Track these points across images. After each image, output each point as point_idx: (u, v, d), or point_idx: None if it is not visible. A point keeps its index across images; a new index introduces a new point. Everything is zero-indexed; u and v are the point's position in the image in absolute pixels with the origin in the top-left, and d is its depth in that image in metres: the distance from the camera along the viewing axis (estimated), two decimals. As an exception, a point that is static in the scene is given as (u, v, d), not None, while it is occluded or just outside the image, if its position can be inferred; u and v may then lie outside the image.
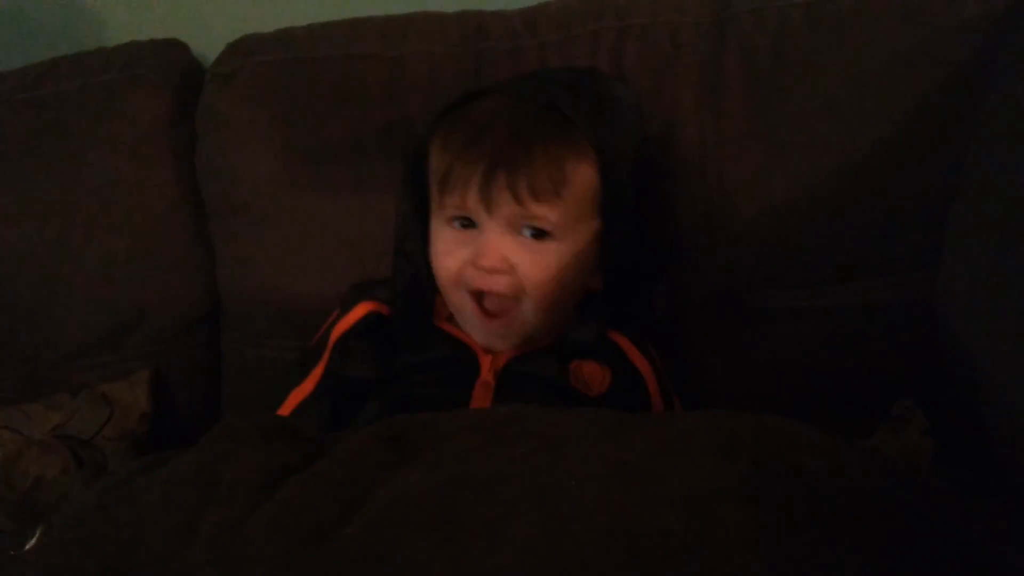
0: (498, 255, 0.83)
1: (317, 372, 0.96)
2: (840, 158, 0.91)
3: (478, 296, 0.86)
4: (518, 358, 0.90)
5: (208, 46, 1.18)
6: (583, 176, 0.83)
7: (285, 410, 0.97)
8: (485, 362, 0.89)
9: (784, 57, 0.93)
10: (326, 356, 0.96)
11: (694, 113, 0.96)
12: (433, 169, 0.87)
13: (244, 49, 1.09)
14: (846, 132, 0.91)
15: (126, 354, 1.12)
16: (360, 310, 0.96)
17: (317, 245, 1.07)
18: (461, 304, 0.88)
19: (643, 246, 0.91)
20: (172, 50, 1.15)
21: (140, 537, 0.55)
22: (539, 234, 0.83)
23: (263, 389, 1.10)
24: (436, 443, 0.61)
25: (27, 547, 0.57)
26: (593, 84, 0.91)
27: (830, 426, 0.64)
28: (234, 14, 1.25)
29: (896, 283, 0.93)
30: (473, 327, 0.89)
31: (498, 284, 0.84)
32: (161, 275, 1.11)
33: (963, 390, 0.82)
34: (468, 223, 0.85)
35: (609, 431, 0.59)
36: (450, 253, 0.87)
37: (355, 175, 1.04)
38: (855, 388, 0.94)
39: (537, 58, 1.02)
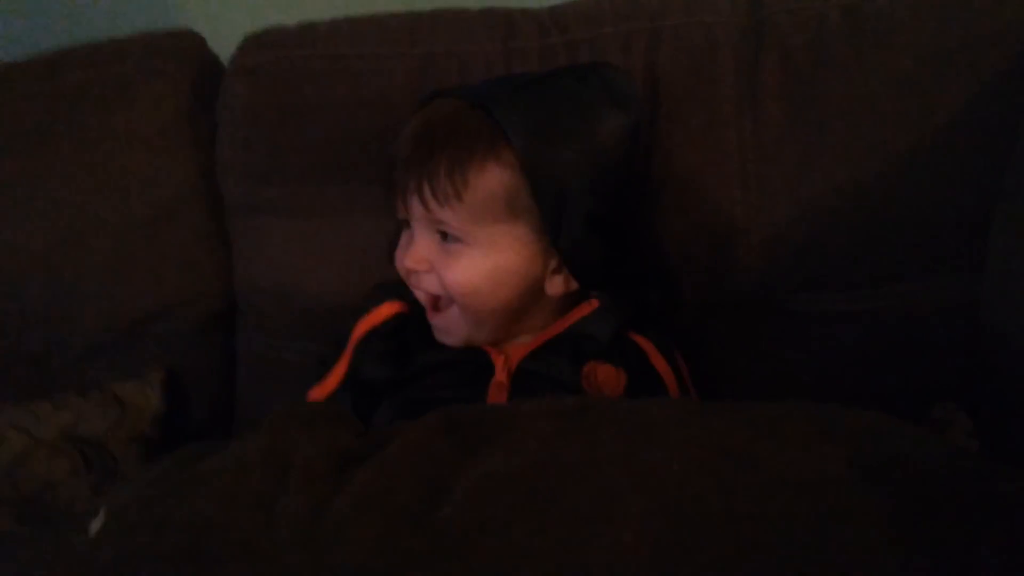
0: (416, 256, 0.86)
1: (340, 369, 0.95)
2: (881, 160, 0.90)
3: (434, 297, 0.88)
4: (531, 357, 0.88)
5: (216, 38, 1.15)
6: (493, 180, 0.82)
7: None
8: (498, 362, 0.88)
9: (824, 58, 0.92)
10: (349, 353, 0.94)
11: (732, 115, 0.94)
12: None
13: (267, 42, 1.06)
14: (887, 134, 0.90)
15: (140, 354, 1.08)
16: (387, 309, 0.95)
17: (341, 244, 1.04)
18: (415, 293, 0.90)
19: (622, 249, 0.89)
20: (188, 41, 1.12)
21: (216, 521, 0.53)
22: (450, 237, 0.84)
23: (279, 391, 1.08)
24: (505, 431, 0.59)
25: (92, 530, 0.54)
26: (562, 80, 0.88)
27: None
28: (245, 6, 1.23)
29: (937, 286, 0.91)
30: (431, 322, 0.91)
31: (423, 283, 0.87)
32: (177, 273, 1.08)
33: (1014, 392, 0.82)
34: (409, 223, 0.88)
35: (696, 415, 0.58)
36: (399, 252, 0.90)
37: (382, 173, 1.01)
38: (894, 392, 0.92)
39: (568, 57, 1.00)
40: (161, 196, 1.07)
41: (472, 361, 0.89)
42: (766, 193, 0.93)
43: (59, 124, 1.06)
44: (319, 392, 0.94)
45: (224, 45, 1.13)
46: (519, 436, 0.56)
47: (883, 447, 0.54)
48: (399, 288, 0.95)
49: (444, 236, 0.85)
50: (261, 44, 1.06)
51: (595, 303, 0.90)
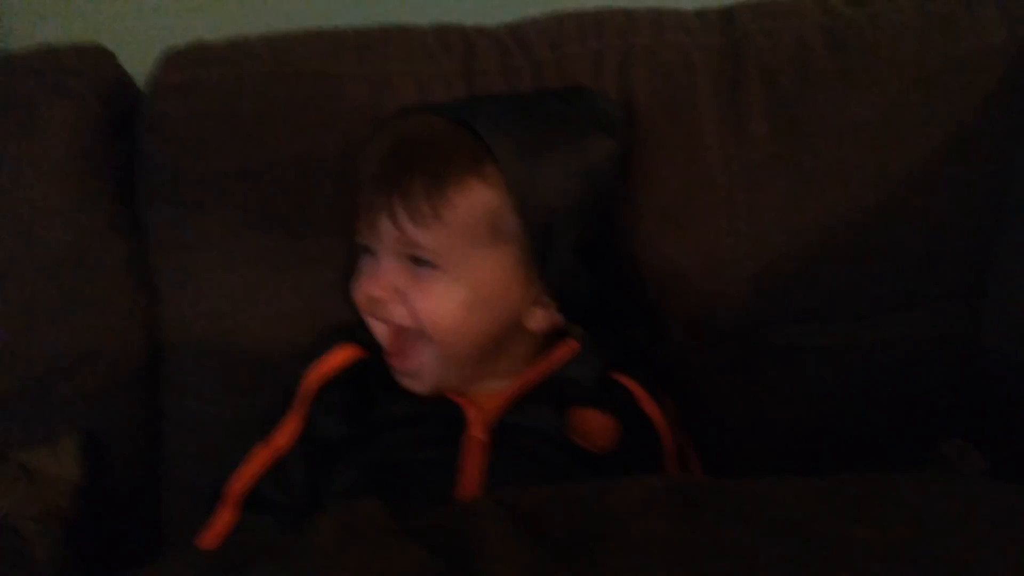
0: (383, 284, 0.78)
1: (291, 425, 0.84)
2: (874, 185, 0.88)
3: (395, 333, 0.80)
4: (513, 407, 0.80)
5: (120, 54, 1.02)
6: (476, 199, 0.76)
7: (250, 472, 0.84)
8: (474, 415, 0.79)
9: (809, 79, 0.89)
10: (299, 407, 0.84)
11: (716, 139, 0.89)
12: None
13: (196, 58, 0.94)
14: (879, 158, 0.88)
15: (48, 415, 0.92)
16: (340, 354, 0.85)
17: (288, 280, 0.93)
18: (374, 331, 0.82)
19: (608, 281, 0.83)
20: (95, 56, 0.98)
21: None
22: (422, 263, 0.77)
23: (212, 452, 0.94)
24: (612, 536, 0.49)
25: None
26: (546, 101, 0.84)
27: (869, 468, 0.58)
28: (150, 17, 1.11)
29: (936, 314, 0.89)
30: (391, 366, 0.82)
31: (392, 314, 0.79)
32: (91, 320, 0.93)
33: (1020, 420, 0.79)
34: (371, 249, 0.80)
35: (827, 504, 0.49)
36: (358, 281, 0.81)
37: (334, 196, 0.91)
38: (894, 427, 0.89)
39: (533, 78, 0.93)
40: (72, 233, 0.92)
41: (441, 414, 0.80)
42: (755, 221, 0.89)
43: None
44: (266, 452, 0.83)
45: (129, 61, 1.00)
46: (625, 543, 0.46)
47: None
48: (352, 330, 0.86)
49: (416, 261, 0.77)
50: (189, 60, 0.94)
51: (574, 344, 0.84)
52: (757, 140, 0.89)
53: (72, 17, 1.16)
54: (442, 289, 0.77)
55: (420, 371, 0.80)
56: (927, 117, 0.88)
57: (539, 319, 0.81)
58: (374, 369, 0.83)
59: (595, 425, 0.79)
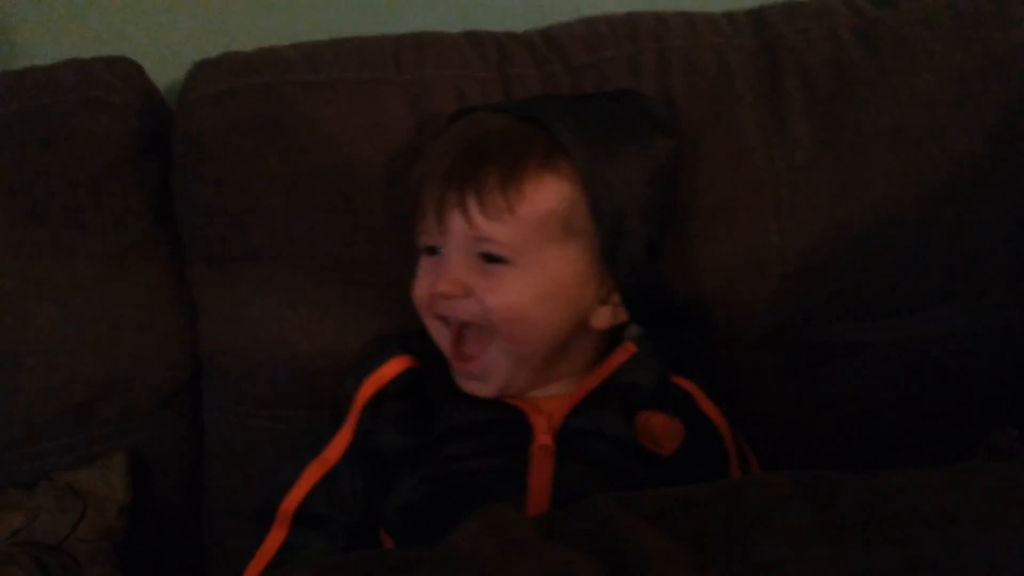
0: (452, 280, 0.76)
1: (343, 439, 0.82)
2: (918, 181, 0.88)
3: (458, 336, 0.79)
4: (575, 413, 0.79)
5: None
6: (550, 192, 0.76)
7: (302, 489, 0.82)
8: (539, 422, 0.78)
9: (847, 79, 0.90)
10: (353, 420, 0.82)
11: (759, 141, 0.90)
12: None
13: (231, 69, 0.93)
14: (920, 155, 0.88)
15: (91, 435, 0.91)
16: (395, 366, 0.84)
17: (333, 291, 0.92)
18: (436, 335, 0.81)
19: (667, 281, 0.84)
20: (125, 69, 0.96)
21: None
22: (493, 259, 0.76)
23: (254, 467, 0.94)
24: (759, 529, 0.48)
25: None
26: (605, 102, 0.84)
27: (918, 463, 0.59)
28: (170, 32, 1.09)
29: (981, 308, 0.90)
30: (453, 371, 0.81)
31: (460, 310, 0.77)
32: (134, 337, 0.92)
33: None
34: (435, 249, 0.79)
35: (971, 490, 0.48)
36: (419, 280, 0.81)
37: (380, 202, 0.90)
38: (940, 421, 0.89)
39: (572, 83, 0.93)
40: (113, 248, 0.91)
41: (505, 421, 0.79)
42: (801, 219, 0.89)
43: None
44: (317, 468, 0.82)
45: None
46: (780, 536, 0.45)
47: None
48: (404, 340, 0.85)
49: (486, 258, 0.76)
50: (224, 70, 0.93)
51: (631, 348, 0.83)
52: (799, 139, 0.89)
53: (80, 33, 1.14)
54: (514, 283, 0.75)
55: (487, 372, 0.79)
56: (966, 114, 0.88)
57: (605, 317, 0.80)
58: (431, 379, 0.82)
59: (662, 428, 0.79)
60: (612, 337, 0.84)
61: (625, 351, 0.83)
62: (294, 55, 0.94)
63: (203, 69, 0.94)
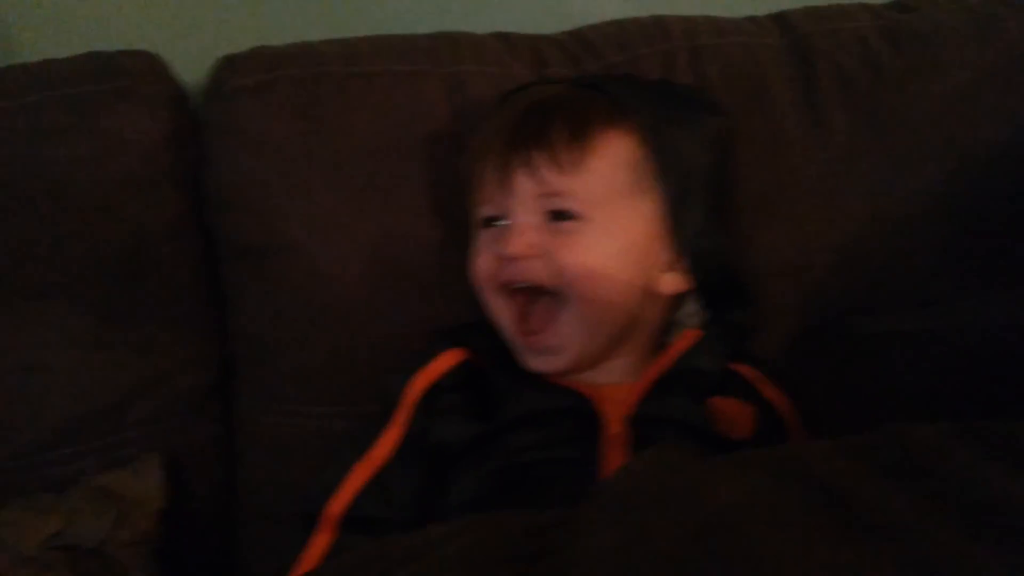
0: (523, 240, 0.74)
1: (392, 435, 0.79)
2: (954, 170, 0.90)
3: (523, 312, 0.77)
4: (647, 399, 0.76)
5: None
6: (619, 146, 0.76)
7: (348, 491, 0.78)
8: (610, 410, 0.75)
9: (879, 78, 0.91)
10: (405, 415, 0.79)
11: (798, 134, 0.91)
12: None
13: (264, 62, 0.91)
14: (956, 144, 0.90)
15: (122, 437, 0.87)
16: (448, 358, 0.81)
17: (372, 284, 0.89)
18: (499, 312, 0.78)
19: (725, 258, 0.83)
20: (149, 61, 0.94)
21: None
22: (564, 217, 0.74)
23: (291, 468, 0.90)
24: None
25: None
26: (654, 82, 0.86)
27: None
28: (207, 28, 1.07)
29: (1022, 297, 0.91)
30: (517, 347, 0.78)
31: (531, 271, 0.75)
32: (165, 333, 0.89)
33: None
34: (496, 220, 0.78)
35: None
36: (480, 253, 0.79)
37: (425, 201, 0.89)
38: (982, 411, 0.89)
39: (606, 78, 0.94)
40: (145, 241, 0.88)
41: (574, 410, 0.75)
42: (842, 209, 0.90)
43: (13, 153, 0.85)
44: (365, 468, 0.78)
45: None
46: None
47: None
48: (458, 333, 0.83)
49: (556, 217, 0.74)
50: (258, 63, 0.91)
51: (697, 333, 0.82)
52: (837, 133, 0.91)
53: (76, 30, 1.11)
54: (589, 241, 0.74)
55: (559, 344, 0.76)
56: (996, 107, 0.90)
57: (672, 282, 0.79)
58: (493, 368, 0.80)
59: (734, 413, 0.77)
60: (670, 322, 0.83)
61: (688, 337, 0.81)
62: (328, 49, 0.93)
63: (233, 63, 0.93)
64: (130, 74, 0.91)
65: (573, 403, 0.76)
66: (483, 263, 0.78)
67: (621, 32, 0.97)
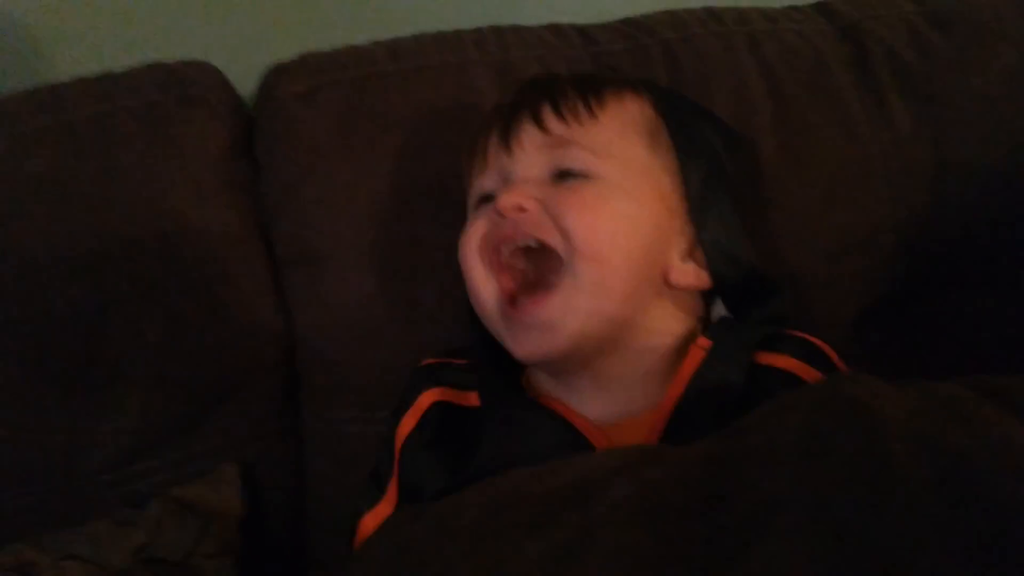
0: (524, 191, 0.66)
1: (393, 489, 0.73)
2: (1012, 148, 0.88)
3: (512, 292, 0.67)
4: (667, 434, 0.64)
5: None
6: (632, 104, 0.71)
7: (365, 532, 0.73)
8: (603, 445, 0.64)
9: (931, 60, 0.91)
10: (396, 466, 0.73)
11: (862, 116, 0.89)
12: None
13: (313, 68, 0.90)
14: (1012, 122, 0.88)
15: (198, 449, 0.86)
16: (423, 401, 0.74)
17: (426, 285, 0.87)
18: (482, 286, 0.69)
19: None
20: (207, 70, 0.92)
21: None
22: (571, 175, 0.67)
23: (355, 474, 0.87)
24: None
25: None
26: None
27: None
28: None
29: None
30: (503, 330, 0.68)
31: (530, 224, 0.65)
32: (238, 343, 0.87)
33: None
34: (493, 196, 0.69)
35: None
36: (468, 231, 0.70)
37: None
38: None
39: (663, 55, 0.91)
40: (214, 248, 0.86)
41: (562, 448, 0.64)
42: (906, 188, 0.89)
43: (78, 166, 0.84)
44: (371, 520, 0.72)
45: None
46: None
47: None
48: (437, 370, 0.77)
49: (563, 176, 0.67)
50: (307, 70, 0.90)
51: (705, 344, 0.68)
52: (897, 113, 0.90)
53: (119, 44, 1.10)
54: (598, 198, 0.65)
55: (555, 318, 0.64)
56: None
57: (686, 274, 0.69)
58: (483, 400, 0.72)
59: None
60: (687, 339, 0.70)
61: (698, 350, 0.68)
62: (374, 49, 0.92)
63: (282, 71, 0.91)
64: (196, 83, 0.90)
65: (560, 437, 0.65)
66: (469, 239, 0.70)
67: (672, 17, 0.96)
